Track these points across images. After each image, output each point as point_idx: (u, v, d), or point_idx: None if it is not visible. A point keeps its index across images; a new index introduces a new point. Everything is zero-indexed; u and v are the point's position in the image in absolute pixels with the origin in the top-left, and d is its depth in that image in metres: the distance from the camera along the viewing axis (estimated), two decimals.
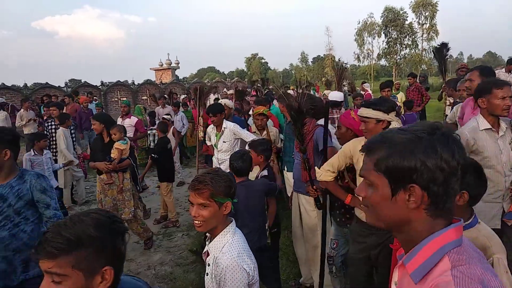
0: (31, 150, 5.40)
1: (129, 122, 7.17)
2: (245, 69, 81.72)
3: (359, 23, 43.98)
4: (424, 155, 0.92)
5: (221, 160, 4.78)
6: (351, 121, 3.02)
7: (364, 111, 2.62)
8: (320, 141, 3.34)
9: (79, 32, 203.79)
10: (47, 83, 18.22)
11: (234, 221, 1.90)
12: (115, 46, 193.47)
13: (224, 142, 4.75)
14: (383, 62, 47.26)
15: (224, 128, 4.73)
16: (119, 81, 21.03)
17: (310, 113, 3.48)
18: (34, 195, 2.52)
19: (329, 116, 4.34)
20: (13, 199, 2.46)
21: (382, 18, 42.50)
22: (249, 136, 4.57)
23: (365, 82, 12.45)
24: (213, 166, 4.94)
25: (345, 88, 12.91)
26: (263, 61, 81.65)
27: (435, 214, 0.96)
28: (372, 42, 44.52)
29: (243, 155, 3.20)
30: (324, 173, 2.93)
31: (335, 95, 5.13)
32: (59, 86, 18.64)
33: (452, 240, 0.94)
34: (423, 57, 41.25)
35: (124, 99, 9.89)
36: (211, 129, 4.97)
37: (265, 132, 4.93)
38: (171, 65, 28.36)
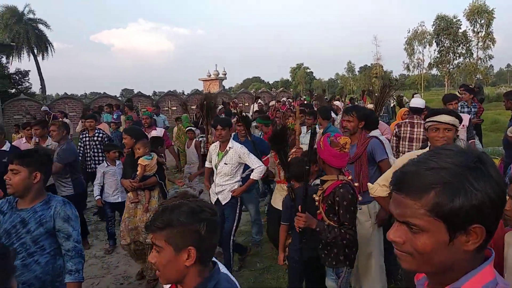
0: (104, 161, 5.64)
1: (155, 134, 6.64)
2: (290, 79, 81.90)
3: (409, 32, 42.75)
4: (488, 187, 0.81)
5: (219, 185, 4.22)
6: (318, 150, 2.70)
7: (448, 118, 2.66)
8: (377, 152, 3.43)
9: (133, 44, 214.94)
10: (104, 92, 19.46)
11: (216, 266, 1.46)
12: (166, 58, 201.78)
13: (225, 164, 4.17)
14: (434, 71, 45.54)
15: (229, 148, 4.16)
16: (170, 91, 21.99)
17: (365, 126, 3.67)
18: (56, 223, 2.29)
19: (409, 121, 4.94)
20: (33, 225, 2.25)
21: (433, 27, 41.04)
22: (255, 163, 4.12)
23: (416, 93, 12.15)
24: (210, 194, 4.45)
25: (391, 101, 12.63)
26: (308, 70, 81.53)
27: (478, 248, 0.86)
28: (422, 51, 43.11)
29: (302, 161, 3.28)
30: (379, 188, 2.95)
31: (416, 102, 5.24)
32: (115, 96, 19.83)
33: (489, 281, 0.86)
34: (478, 66, 39.26)
35: (145, 110, 9.68)
36: (214, 147, 4.41)
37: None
38: (219, 76, 29.18)
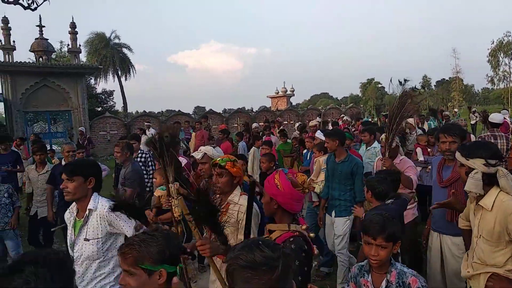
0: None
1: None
2: (360, 94, 79.78)
3: (493, 43, 39.63)
4: None
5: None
6: (273, 190, 2.14)
7: None
8: None
9: (205, 64, 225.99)
10: (179, 110, 20.52)
11: None
12: (235, 76, 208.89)
13: (86, 240, 2.54)
14: None
15: (90, 210, 2.56)
16: (239, 108, 22.55)
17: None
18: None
19: (491, 134, 5.84)
20: None
21: None
22: (129, 230, 2.58)
23: (504, 109, 11.03)
24: None
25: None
26: (379, 86, 78.84)
27: None
28: (509, 63, 39.52)
29: (384, 179, 3.18)
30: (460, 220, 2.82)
31: (495, 117, 6.21)
32: (188, 113, 20.81)
33: None
34: None
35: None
36: (68, 214, 2.74)
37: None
38: (286, 93, 29.35)
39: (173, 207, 3.45)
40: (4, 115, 17.41)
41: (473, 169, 2.49)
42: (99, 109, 28.03)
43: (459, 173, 3.07)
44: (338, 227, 4.42)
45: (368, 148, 5.89)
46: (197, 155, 3.78)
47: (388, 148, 3.98)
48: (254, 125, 12.09)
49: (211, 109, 21.37)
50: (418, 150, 6.46)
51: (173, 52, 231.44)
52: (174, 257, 1.58)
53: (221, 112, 22.06)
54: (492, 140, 5.52)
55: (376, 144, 5.90)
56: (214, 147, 6.19)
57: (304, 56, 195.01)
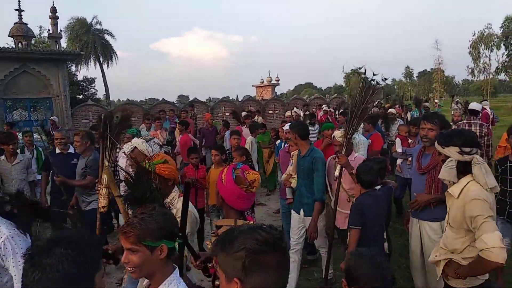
0: None
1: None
2: (344, 85, 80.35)
3: (474, 34, 40.30)
4: None
5: None
6: (219, 184, 2.24)
7: None
8: None
9: (189, 52, 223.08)
10: (163, 99, 20.26)
11: (177, 268, 1.70)
12: (220, 65, 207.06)
13: None
14: (502, 76, 42.36)
15: None
16: (224, 97, 22.42)
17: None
18: None
19: (467, 121, 6.19)
20: None
21: (502, 29, 38.23)
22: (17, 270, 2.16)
23: (485, 100, 11.31)
24: None
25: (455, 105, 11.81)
26: (363, 76, 79.29)
27: None
28: (489, 55, 40.32)
29: (371, 168, 3.29)
30: None
31: (474, 105, 6.74)
32: (173, 102, 20.58)
33: None
34: None
35: (132, 128, 6.91)
36: None
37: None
38: (271, 82, 29.29)
39: (100, 197, 3.49)
40: None
41: (449, 157, 2.52)
42: (81, 96, 27.43)
43: (437, 160, 3.20)
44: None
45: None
46: (126, 148, 3.46)
47: (346, 145, 3.97)
48: (244, 113, 12.02)
49: (195, 98, 21.18)
50: (397, 141, 6.39)
51: (156, 39, 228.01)
52: (172, 234, 1.70)
53: (206, 100, 21.87)
54: (467, 127, 5.82)
55: (356, 134, 5.74)
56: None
57: (289, 46, 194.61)
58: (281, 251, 1.17)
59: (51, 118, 13.45)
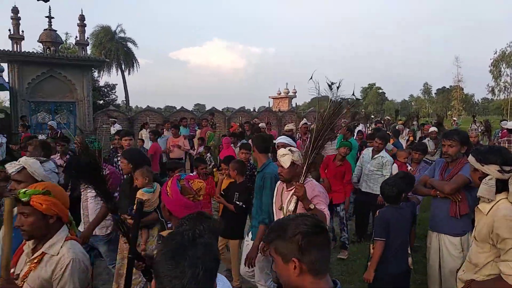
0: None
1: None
2: (361, 99, 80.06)
3: (495, 53, 39.85)
4: None
5: None
6: (164, 196, 2.19)
7: None
8: (464, 168, 3.29)
9: (207, 61, 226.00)
10: (182, 107, 20.62)
11: None
12: (238, 75, 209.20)
13: None
14: None
15: None
16: (241, 107, 22.67)
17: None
18: None
19: (507, 139, 7.11)
20: None
21: None
22: None
23: (504, 120, 11.22)
24: None
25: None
26: (380, 91, 79.21)
27: None
28: (510, 73, 39.76)
29: (396, 183, 3.41)
30: None
31: (510, 124, 7.56)
32: (191, 110, 20.93)
33: None
34: None
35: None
36: None
37: None
38: (288, 94, 29.48)
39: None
40: (9, 104, 17.50)
41: (487, 174, 2.53)
42: (101, 102, 28.10)
43: (457, 171, 3.36)
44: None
45: (375, 156, 5.81)
46: (11, 168, 2.74)
47: (306, 171, 2.90)
48: (261, 125, 12.16)
49: (213, 107, 21.47)
50: (394, 167, 5.66)
51: (176, 48, 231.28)
52: None
53: (223, 110, 22.17)
54: (507, 145, 6.67)
55: (383, 153, 5.79)
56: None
57: (306, 58, 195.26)
58: (325, 231, 1.44)
59: (49, 123, 12.87)
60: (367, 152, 6.09)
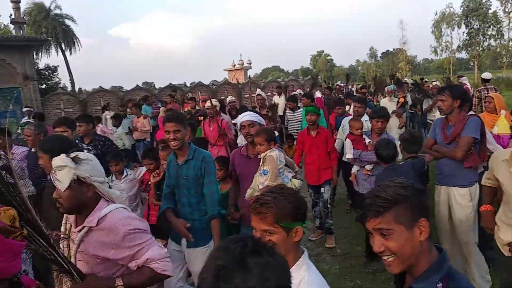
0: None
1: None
2: (310, 67, 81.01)
3: (436, 14, 41.64)
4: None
5: None
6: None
7: None
8: (468, 127, 3.35)
9: (150, 36, 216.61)
10: (137, 85, 19.61)
11: (306, 252, 1.58)
12: (184, 50, 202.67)
13: None
14: (463, 54, 44.16)
15: None
16: (200, 82, 22.01)
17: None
18: None
19: (484, 87, 7.92)
20: None
21: (462, 8, 39.77)
22: None
23: (462, 76, 11.73)
24: None
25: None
26: (329, 58, 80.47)
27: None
28: (451, 33, 41.85)
29: (389, 143, 3.43)
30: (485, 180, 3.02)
31: (486, 75, 8.58)
32: (148, 88, 19.96)
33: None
34: (510, 48, 38.00)
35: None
36: None
37: None
38: (244, 65, 29.04)
39: None
40: None
41: None
42: (43, 86, 26.01)
43: (459, 130, 3.40)
44: (197, 264, 2.95)
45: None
46: None
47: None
48: (229, 98, 11.48)
49: (170, 83, 20.64)
50: (347, 142, 4.60)
51: (115, 24, 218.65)
52: (305, 215, 1.58)
53: (183, 85, 21.40)
54: (487, 93, 7.17)
55: (366, 117, 5.28)
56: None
57: (253, 29, 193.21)
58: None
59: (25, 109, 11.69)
60: (347, 120, 5.52)
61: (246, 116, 3.49)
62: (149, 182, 3.95)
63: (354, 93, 14.94)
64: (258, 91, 8.57)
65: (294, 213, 1.51)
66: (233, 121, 6.28)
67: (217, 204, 3.09)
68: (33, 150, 4.33)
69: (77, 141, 4.74)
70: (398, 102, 7.79)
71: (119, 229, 1.81)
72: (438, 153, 3.59)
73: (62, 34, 32.24)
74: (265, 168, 3.06)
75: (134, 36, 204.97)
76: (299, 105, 8.05)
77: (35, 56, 29.12)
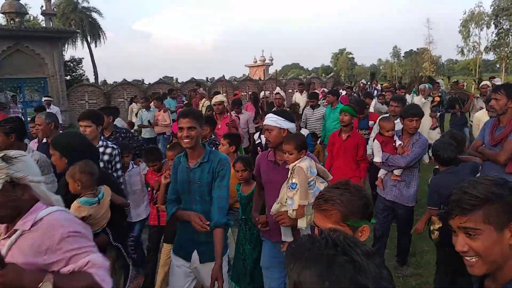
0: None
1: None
2: (331, 65, 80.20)
3: (464, 13, 40.54)
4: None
5: None
6: None
7: None
8: None
9: (174, 31, 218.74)
10: (160, 79, 19.84)
11: None
12: (207, 44, 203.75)
13: None
14: (491, 56, 42.88)
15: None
16: (221, 77, 22.07)
17: None
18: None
19: None
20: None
21: (492, 7, 38.57)
22: None
23: (496, 78, 11.34)
24: None
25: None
26: (350, 56, 79.44)
27: None
28: (479, 33, 40.69)
29: (450, 144, 3.22)
30: None
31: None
32: (171, 82, 20.17)
33: None
34: None
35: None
36: None
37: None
38: (265, 62, 29.04)
39: None
40: None
41: None
42: (68, 77, 26.56)
43: (508, 132, 3.27)
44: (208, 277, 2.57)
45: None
46: None
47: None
48: (263, 93, 11.00)
49: (192, 78, 20.79)
50: (375, 144, 4.10)
51: (138, 18, 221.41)
52: (371, 213, 1.49)
53: (204, 80, 21.55)
54: None
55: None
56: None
57: (274, 26, 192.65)
58: None
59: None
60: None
61: (266, 120, 2.99)
62: (155, 184, 3.80)
63: (379, 92, 14.71)
64: (277, 89, 7.90)
65: (362, 211, 1.43)
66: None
67: (226, 211, 2.69)
68: (43, 141, 4.26)
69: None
70: (433, 101, 7.45)
71: (56, 230, 1.57)
72: (483, 155, 3.47)
73: (88, 27, 32.81)
74: (293, 181, 2.68)
75: (156, 30, 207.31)
76: (319, 103, 7.61)
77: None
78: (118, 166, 3.74)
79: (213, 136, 4.83)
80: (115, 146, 3.74)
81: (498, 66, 44.81)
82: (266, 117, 3.02)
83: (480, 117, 5.45)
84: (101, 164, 3.42)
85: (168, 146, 4.10)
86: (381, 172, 4.15)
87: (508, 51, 38.70)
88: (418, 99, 7.67)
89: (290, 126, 2.90)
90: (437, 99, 7.58)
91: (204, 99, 10.95)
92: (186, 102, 11.26)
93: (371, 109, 8.12)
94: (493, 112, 3.47)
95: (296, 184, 2.64)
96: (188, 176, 2.66)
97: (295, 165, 2.68)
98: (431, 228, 3.21)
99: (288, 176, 2.73)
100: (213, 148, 4.13)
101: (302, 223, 2.63)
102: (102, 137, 3.85)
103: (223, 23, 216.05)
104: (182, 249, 2.77)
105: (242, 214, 3.52)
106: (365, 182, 4.69)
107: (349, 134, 4.61)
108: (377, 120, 4.73)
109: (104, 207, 2.46)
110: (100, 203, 2.42)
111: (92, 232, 2.12)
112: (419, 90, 8.19)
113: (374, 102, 8.52)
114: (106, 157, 3.60)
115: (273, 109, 5.98)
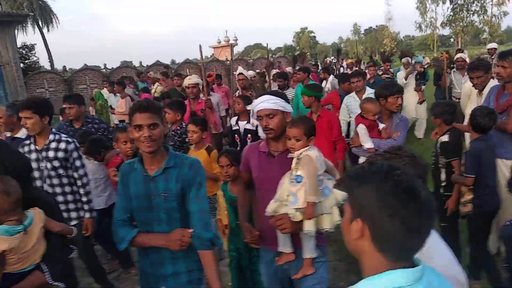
0: None
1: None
2: (294, 44, 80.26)
3: None
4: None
5: None
6: None
7: None
8: None
9: (133, 13, 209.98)
10: (124, 61, 19.05)
11: None
12: (165, 27, 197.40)
13: None
14: (447, 31, 44.34)
15: None
16: (187, 59, 21.53)
17: None
18: None
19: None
20: None
21: None
22: None
23: (462, 50, 11.66)
24: None
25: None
26: (312, 35, 79.83)
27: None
28: (435, 9, 41.83)
29: (492, 112, 3.14)
30: None
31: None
32: (134, 66, 19.42)
33: None
34: (493, 24, 38.40)
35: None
36: None
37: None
38: (230, 42, 28.46)
39: None
40: None
41: None
42: (21, 65, 24.94)
43: None
44: None
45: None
46: None
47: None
48: (250, 73, 9.93)
49: (157, 60, 20.11)
50: (361, 128, 3.50)
51: (94, 1, 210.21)
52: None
53: (170, 63, 20.91)
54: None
55: (370, 90, 4.99)
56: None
57: (234, 6, 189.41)
58: None
59: None
60: (351, 98, 5.08)
61: (263, 103, 2.31)
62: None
63: (344, 70, 14.88)
64: (240, 69, 7.08)
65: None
66: (248, 107, 4.28)
67: (212, 228, 2.14)
68: (7, 134, 3.94)
69: (65, 126, 4.29)
70: (417, 74, 7.31)
71: None
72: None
73: (39, 11, 30.78)
74: (298, 174, 2.14)
75: (114, 13, 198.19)
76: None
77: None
78: (78, 163, 3.13)
79: (184, 125, 4.25)
80: (69, 140, 3.11)
81: (452, 40, 46.53)
82: (260, 100, 2.35)
83: (468, 91, 4.96)
84: (56, 164, 3.02)
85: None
86: (362, 160, 3.67)
87: (463, 26, 40.17)
88: (402, 74, 7.63)
89: (291, 108, 2.41)
90: (421, 69, 7.45)
91: (157, 83, 10.26)
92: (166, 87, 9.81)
93: (328, 85, 8.20)
94: (500, 80, 3.44)
95: (302, 177, 2.12)
96: (147, 188, 2.03)
97: (301, 153, 2.17)
98: (461, 200, 3.18)
99: (292, 167, 2.19)
100: (186, 139, 4.01)
101: (309, 226, 2.09)
102: (52, 129, 3.17)
103: (183, 5, 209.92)
104: (150, 279, 2.15)
105: (236, 219, 2.92)
106: (341, 166, 4.29)
107: (318, 114, 4.32)
108: (352, 100, 4.89)
109: (34, 236, 1.84)
110: (28, 232, 1.82)
111: (20, 271, 1.80)
112: (402, 64, 8.20)
113: (331, 77, 8.62)
114: (60, 154, 3.04)
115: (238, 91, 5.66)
